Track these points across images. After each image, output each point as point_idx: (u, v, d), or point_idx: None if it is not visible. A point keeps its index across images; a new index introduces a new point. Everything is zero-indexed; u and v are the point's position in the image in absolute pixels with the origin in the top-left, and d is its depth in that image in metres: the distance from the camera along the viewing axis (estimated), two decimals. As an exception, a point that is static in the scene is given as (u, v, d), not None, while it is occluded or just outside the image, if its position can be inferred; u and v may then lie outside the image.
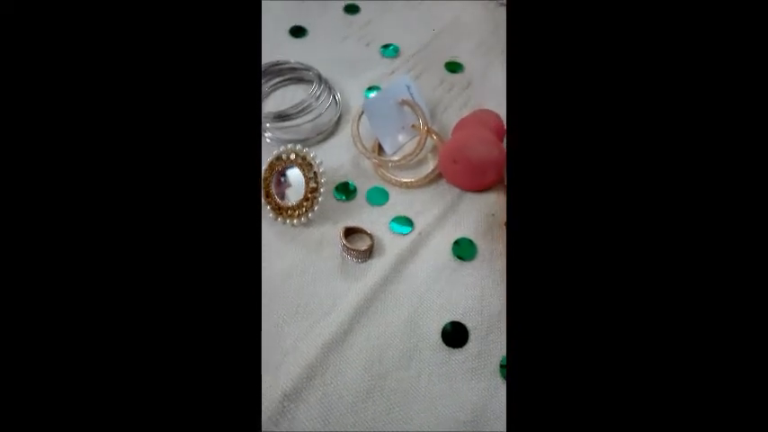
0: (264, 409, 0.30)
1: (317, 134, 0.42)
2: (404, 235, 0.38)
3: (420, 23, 0.52)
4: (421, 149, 0.40)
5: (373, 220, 0.38)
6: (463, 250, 0.37)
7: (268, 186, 0.37)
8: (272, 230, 0.38)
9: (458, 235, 0.38)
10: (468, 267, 0.36)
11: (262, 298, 0.34)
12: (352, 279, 0.35)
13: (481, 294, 0.35)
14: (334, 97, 0.44)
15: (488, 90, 0.46)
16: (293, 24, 0.51)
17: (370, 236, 0.37)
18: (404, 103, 0.41)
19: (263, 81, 0.46)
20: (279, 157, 0.37)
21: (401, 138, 0.43)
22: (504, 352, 0.33)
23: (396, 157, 0.41)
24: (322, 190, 0.37)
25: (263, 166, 0.38)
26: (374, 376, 0.32)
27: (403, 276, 0.36)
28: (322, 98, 0.42)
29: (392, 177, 0.40)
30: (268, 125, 0.42)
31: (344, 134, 0.43)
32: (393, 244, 0.37)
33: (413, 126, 0.42)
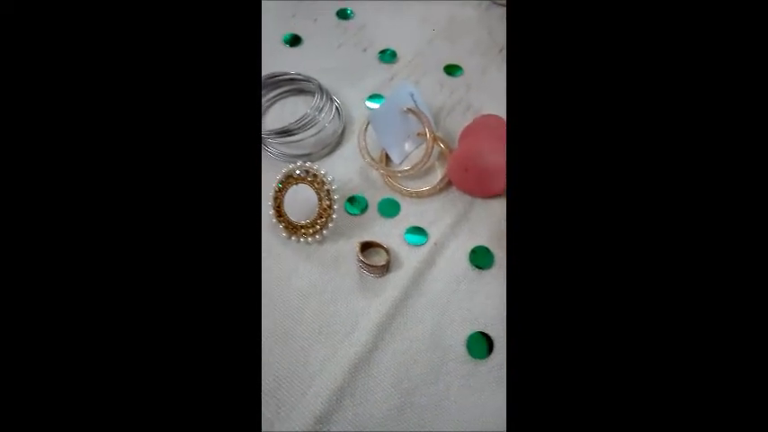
0: (298, 436, 0.30)
1: (322, 147, 0.42)
2: (419, 246, 0.37)
3: (414, 26, 0.52)
4: (429, 158, 0.40)
5: (387, 232, 0.38)
6: (480, 259, 0.37)
7: (280, 206, 0.37)
8: (286, 249, 0.37)
9: (473, 243, 0.38)
10: (486, 276, 0.36)
11: (283, 320, 0.34)
12: (371, 295, 0.35)
13: (502, 303, 0.35)
14: (336, 109, 0.43)
15: (489, 93, 0.46)
16: (286, 32, 0.50)
17: (387, 250, 0.36)
18: (409, 111, 0.41)
19: (261, 94, 0.45)
20: (290, 176, 0.37)
21: (407, 146, 0.42)
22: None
23: (406, 167, 0.40)
24: (336, 207, 0.36)
25: (273, 185, 0.37)
26: (403, 393, 0.32)
27: (422, 289, 0.36)
28: (324, 111, 0.42)
29: (402, 187, 0.40)
30: (270, 140, 0.41)
31: (349, 146, 0.43)
32: (409, 256, 0.37)
33: (418, 134, 0.42)
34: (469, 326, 0.34)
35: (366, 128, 0.41)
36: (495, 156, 0.37)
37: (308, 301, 0.35)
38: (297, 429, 0.30)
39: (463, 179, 0.39)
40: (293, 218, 0.37)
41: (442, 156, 0.42)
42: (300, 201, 0.37)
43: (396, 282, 0.36)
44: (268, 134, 0.41)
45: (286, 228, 0.37)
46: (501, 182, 0.38)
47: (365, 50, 0.49)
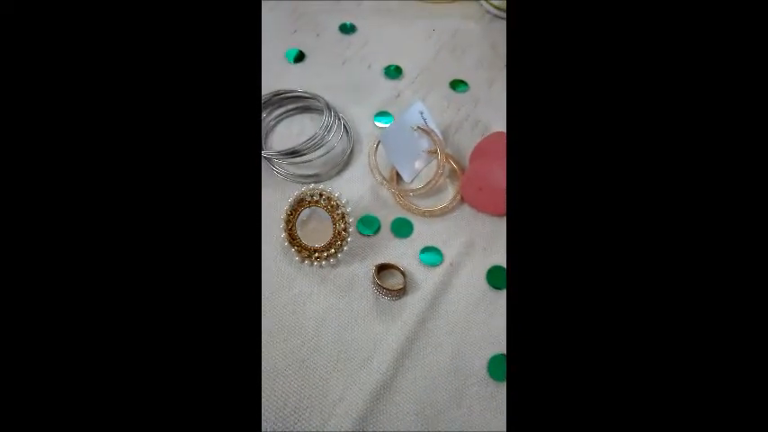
0: (323, 469, 0.29)
1: (331, 167, 0.41)
2: (435, 267, 0.37)
3: (417, 40, 0.51)
4: (440, 176, 0.40)
5: (401, 253, 0.38)
6: (497, 279, 0.36)
7: (293, 230, 0.36)
8: (300, 273, 0.36)
9: (489, 263, 0.37)
10: (504, 296, 0.36)
11: (300, 348, 0.33)
12: (389, 320, 0.35)
13: (521, 323, 0.35)
14: (345, 127, 0.43)
15: (495, 108, 0.46)
16: (288, 48, 0.49)
17: (402, 272, 0.36)
18: (419, 130, 0.41)
19: (266, 113, 0.44)
20: (301, 200, 0.36)
21: (417, 165, 0.42)
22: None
23: (418, 186, 0.40)
24: (351, 230, 0.36)
25: (285, 208, 0.36)
26: (427, 419, 0.31)
27: (440, 312, 0.35)
28: (333, 130, 0.41)
29: (415, 207, 0.39)
30: (277, 161, 0.41)
31: (359, 165, 0.42)
32: (426, 278, 0.36)
33: (429, 152, 0.42)
34: (490, 348, 0.34)
35: (377, 147, 0.40)
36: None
37: (324, 328, 0.34)
38: (321, 462, 0.29)
39: (477, 198, 0.39)
40: (306, 242, 0.36)
41: (452, 173, 0.42)
42: (314, 224, 0.37)
43: (413, 305, 0.35)
44: (276, 155, 0.40)
45: (299, 252, 0.36)
46: (515, 200, 0.38)
47: (370, 67, 0.49)
